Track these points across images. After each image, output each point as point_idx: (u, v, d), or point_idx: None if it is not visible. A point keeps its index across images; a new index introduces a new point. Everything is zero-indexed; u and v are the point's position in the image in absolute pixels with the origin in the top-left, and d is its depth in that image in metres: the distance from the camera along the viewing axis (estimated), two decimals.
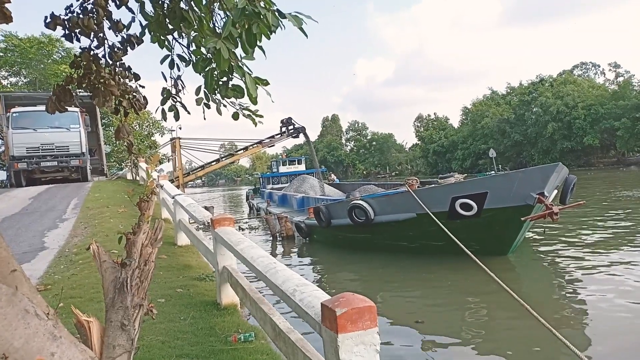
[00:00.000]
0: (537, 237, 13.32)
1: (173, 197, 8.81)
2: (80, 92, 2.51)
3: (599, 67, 76.50)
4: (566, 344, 4.07)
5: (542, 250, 11.77)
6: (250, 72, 2.17)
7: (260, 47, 2.16)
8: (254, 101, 2.30)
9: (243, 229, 20.36)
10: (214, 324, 4.55)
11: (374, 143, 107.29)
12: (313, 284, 2.78)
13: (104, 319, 1.92)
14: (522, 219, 9.61)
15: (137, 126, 28.90)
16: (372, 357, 2.13)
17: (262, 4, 1.95)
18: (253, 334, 4.24)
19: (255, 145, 35.64)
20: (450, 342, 6.40)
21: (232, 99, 2.62)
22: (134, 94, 2.45)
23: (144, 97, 2.53)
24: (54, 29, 2.46)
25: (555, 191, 10.56)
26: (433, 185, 12.85)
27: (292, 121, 33.83)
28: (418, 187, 12.16)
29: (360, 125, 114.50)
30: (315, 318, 2.37)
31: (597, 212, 17.26)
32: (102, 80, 2.30)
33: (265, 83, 2.22)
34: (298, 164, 36.20)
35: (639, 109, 55.32)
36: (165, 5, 2.39)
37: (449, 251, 10.17)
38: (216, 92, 2.43)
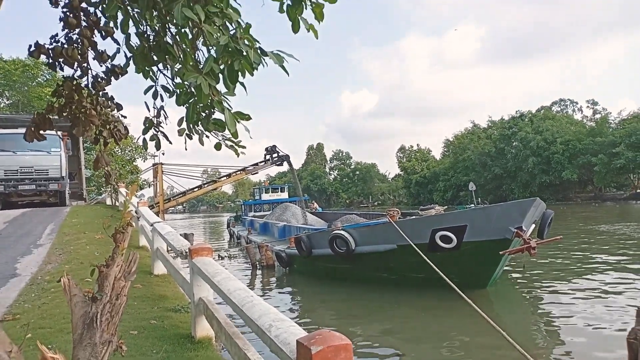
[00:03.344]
0: (515, 270, 13.42)
1: (152, 225, 8.67)
2: (60, 120, 2.50)
3: (577, 104, 79.32)
4: None
5: (521, 283, 11.86)
6: (230, 108, 2.20)
7: (242, 84, 2.19)
8: (235, 135, 2.31)
9: (223, 258, 20.06)
10: (187, 358, 4.42)
11: (358, 172, 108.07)
12: (290, 319, 2.74)
13: (72, 354, 1.86)
14: (501, 252, 9.70)
15: (120, 151, 28.62)
16: None
17: (245, 41, 1.99)
18: None
19: (239, 172, 35.63)
20: None
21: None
22: (115, 123, 2.45)
23: (125, 127, 2.53)
24: (38, 58, 2.47)
25: (533, 225, 10.74)
26: (414, 217, 12.94)
27: (277, 149, 34.04)
28: (399, 218, 12.22)
29: (344, 154, 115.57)
30: (290, 356, 2.33)
31: (574, 246, 17.54)
32: (83, 110, 2.29)
33: (247, 118, 2.24)
34: (281, 191, 36.18)
35: (615, 146, 57.08)
36: (151, 39, 2.42)
37: (429, 283, 10.19)
38: (198, 124, 2.44)
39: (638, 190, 60.54)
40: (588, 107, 75.30)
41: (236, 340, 3.66)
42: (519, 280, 12.20)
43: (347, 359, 2.13)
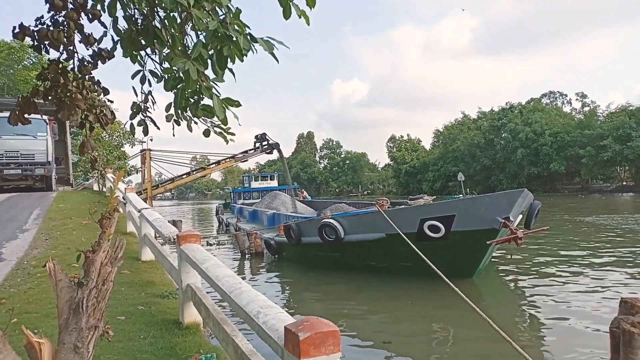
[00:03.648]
0: (502, 260, 13.61)
1: (139, 211, 8.62)
2: (45, 104, 2.46)
3: (566, 96, 79.94)
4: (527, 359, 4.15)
5: (507, 272, 12.04)
6: (218, 94, 2.17)
7: (231, 70, 2.17)
8: (224, 122, 2.29)
9: (211, 244, 20.04)
10: (175, 344, 4.44)
11: (348, 162, 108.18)
12: (278, 306, 2.76)
13: (57, 339, 1.86)
14: (488, 242, 9.82)
15: (107, 136, 28.27)
16: None
17: (235, 27, 1.97)
18: (215, 355, 4.15)
19: (228, 159, 35.44)
20: None
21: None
22: (101, 108, 2.42)
23: (112, 112, 2.49)
24: (23, 40, 2.42)
25: (521, 216, 10.86)
26: (403, 206, 13.02)
27: (267, 137, 33.89)
28: (388, 207, 12.28)
29: (334, 143, 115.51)
30: (278, 342, 2.35)
31: (560, 237, 17.82)
32: (68, 94, 2.25)
33: (237, 105, 2.22)
34: (270, 179, 36.09)
35: (603, 138, 57.78)
36: (139, 22, 2.38)
37: (416, 272, 10.30)
38: (186, 110, 2.42)
39: (624, 183, 61.55)
40: (577, 99, 76.08)
41: (224, 326, 3.67)
42: (505, 270, 12.37)
43: (335, 345, 2.15)
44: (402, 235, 9.21)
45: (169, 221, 7.30)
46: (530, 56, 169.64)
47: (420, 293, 9.99)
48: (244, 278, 11.67)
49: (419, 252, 7.66)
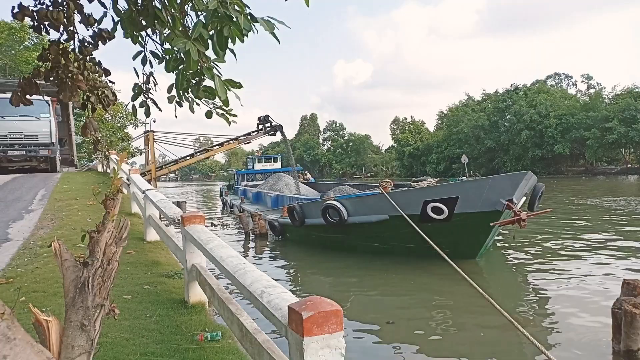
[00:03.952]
0: (505, 242, 13.65)
1: (143, 192, 8.66)
2: (47, 85, 2.45)
3: (572, 78, 78.91)
4: (532, 341, 4.21)
5: (510, 255, 12.08)
6: (220, 75, 2.16)
7: (232, 51, 2.15)
8: (225, 103, 2.29)
9: (215, 226, 20.17)
10: (181, 322, 4.51)
11: (351, 144, 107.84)
12: (282, 286, 2.79)
13: (64, 317, 1.89)
14: (491, 224, 9.84)
15: (110, 117, 28.22)
16: None
17: (235, 7, 1.95)
18: (220, 333, 4.22)
19: (231, 141, 35.38)
20: (420, 341, 6.53)
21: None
22: (103, 89, 2.41)
23: (113, 93, 2.50)
24: (22, 20, 2.41)
25: (524, 198, 10.85)
26: (406, 188, 13.02)
27: (270, 119, 33.71)
28: (392, 189, 12.29)
29: (337, 125, 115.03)
30: (281, 320, 2.38)
31: (563, 219, 17.82)
32: (69, 75, 2.25)
33: (239, 86, 2.21)
34: (274, 161, 36.12)
35: (608, 120, 57.25)
36: (139, 2, 2.36)
37: (419, 253, 10.35)
38: (188, 91, 2.41)
39: (629, 165, 61.19)
40: (583, 81, 75.04)
41: (229, 305, 3.72)
42: (508, 252, 12.42)
43: (337, 324, 2.18)
44: (405, 216, 9.24)
45: (173, 202, 7.34)
46: (537, 37, 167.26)
47: (423, 274, 10.05)
48: (247, 259, 11.78)
49: (422, 234, 7.68)
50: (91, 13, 2.39)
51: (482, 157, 72.54)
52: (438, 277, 9.60)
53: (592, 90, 71.43)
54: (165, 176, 51.80)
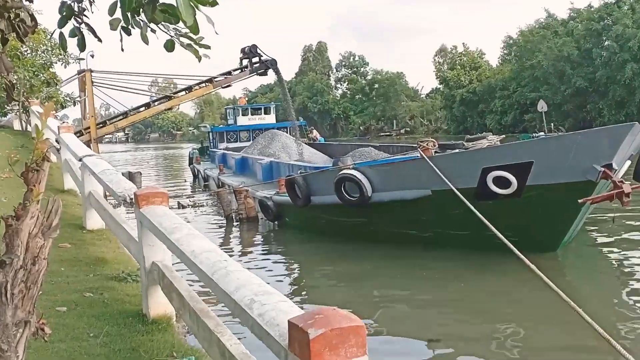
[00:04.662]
0: (599, 228, 13.59)
1: (80, 159, 8.71)
2: None
3: None
4: None
5: (606, 247, 12.05)
6: None
7: None
8: (193, 29, 2.26)
9: (184, 207, 20.35)
10: (138, 344, 4.58)
11: (376, 86, 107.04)
12: (279, 292, 2.81)
13: None
14: (580, 201, 9.77)
15: (29, 51, 28.19)
16: None
17: None
18: (193, 358, 4.29)
19: (204, 84, 35.14)
20: None
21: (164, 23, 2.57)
22: (17, 10, 2.39)
23: (32, 16, 2.47)
24: None
25: (629, 162, 10.74)
26: (457, 151, 12.98)
27: (258, 51, 33.38)
28: (436, 152, 12.24)
29: (357, 59, 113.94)
30: (279, 341, 2.41)
31: None
32: None
33: (212, 3, 2.18)
34: (265, 113, 36.10)
35: None
36: None
37: (474, 244, 10.38)
38: (139, 12, 2.38)
39: None
40: None
41: (205, 320, 3.77)
42: (603, 242, 12.38)
43: (359, 346, 2.19)
44: (456, 191, 9.22)
45: (122, 173, 7.39)
46: None
47: (479, 274, 10.10)
48: (230, 254, 11.89)
49: (480, 216, 7.67)
50: None
51: (569, 103, 71.78)
52: (502, 278, 9.63)
53: None
54: (110, 136, 52.10)
